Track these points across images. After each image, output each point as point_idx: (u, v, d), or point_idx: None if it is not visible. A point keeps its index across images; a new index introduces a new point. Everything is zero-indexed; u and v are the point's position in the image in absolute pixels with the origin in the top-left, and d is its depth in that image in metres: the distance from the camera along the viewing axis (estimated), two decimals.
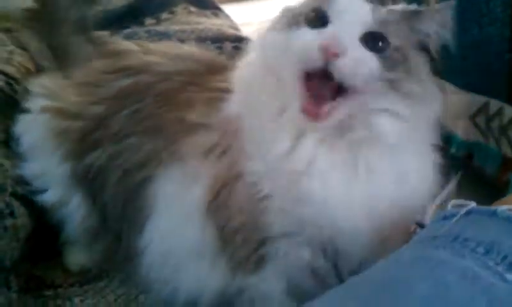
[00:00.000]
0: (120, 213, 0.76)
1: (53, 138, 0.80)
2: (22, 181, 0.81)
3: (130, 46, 0.87)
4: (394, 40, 0.63)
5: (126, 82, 0.79)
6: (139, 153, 0.74)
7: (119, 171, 0.76)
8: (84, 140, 0.78)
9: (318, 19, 0.63)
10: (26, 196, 0.80)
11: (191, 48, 0.88)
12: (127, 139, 0.76)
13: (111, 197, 0.77)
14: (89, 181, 0.78)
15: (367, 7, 0.62)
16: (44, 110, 0.82)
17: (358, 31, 0.61)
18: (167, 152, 0.72)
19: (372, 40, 0.62)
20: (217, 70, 0.78)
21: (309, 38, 0.61)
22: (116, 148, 0.76)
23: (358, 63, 0.59)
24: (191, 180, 0.70)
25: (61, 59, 0.93)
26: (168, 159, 0.72)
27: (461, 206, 0.57)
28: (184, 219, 0.71)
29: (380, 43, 0.62)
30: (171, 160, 0.72)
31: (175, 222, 0.72)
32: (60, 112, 0.81)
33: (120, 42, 0.92)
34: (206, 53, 0.86)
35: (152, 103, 0.76)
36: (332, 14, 0.62)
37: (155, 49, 0.85)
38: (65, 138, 0.80)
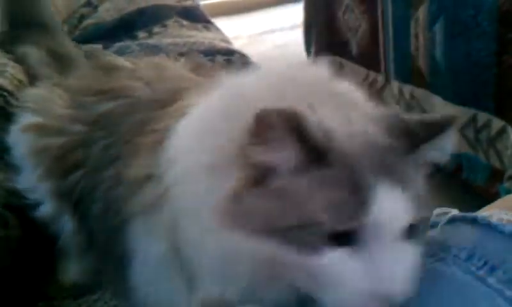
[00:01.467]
0: (104, 248, 0.74)
1: (34, 156, 0.80)
2: (15, 192, 0.81)
3: (123, 63, 0.86)
4: (422, 212, 0.50)
5: (105, 107, 0.77)
6: (115, 192, 0.70)
7: (100, 204, 0.72)
8: (65, 157, 0.77)
9: (349, 237, 0.46)
10: (20, 207, 0.80)
11: (176, 70, 0.83)
12: (105, 170, 0.72)
13: (95, 227, 0.75)
14: (74, 202, 0.77)
15: (406, 214, 0.47)
16: (27, 127, 0.81)
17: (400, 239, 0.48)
18: (130, 201, 0.67)
19: (410, 232, 0.49)
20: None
21: (353, 276, 0.46)
22: (97, 177, 0.73)
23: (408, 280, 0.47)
24: (151, 233, 0.65)
25: (59, 62, 0.94)
26: (134, 208, 0.66)
27: (445, 214, 0.59)
28: (159, 271, 0.66)
29: (416, 230, 0.49)
30: (135, 209, 0.66)
31: (155, 273, 0.66)
32: (42, 129, 0.80)
33: (114, 58, 0.91)
34: (187, 76, 0.81)
35: (120, 140, 0.72)
36: (369, 231, 0.46)
37: (143, 68, 0.83)
38: (45, 156, 0.79)
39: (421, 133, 0.50)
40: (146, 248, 0.65)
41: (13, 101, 0.89)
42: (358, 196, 0.45)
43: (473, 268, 0.50)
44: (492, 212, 0.56)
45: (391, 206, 0.46)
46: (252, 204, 0.47)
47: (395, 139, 0.49)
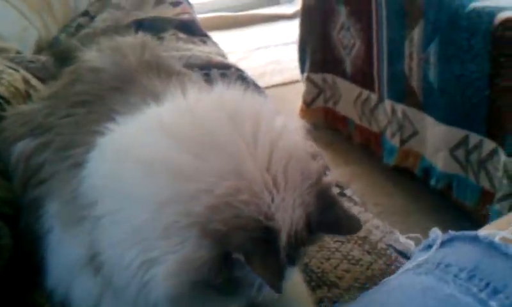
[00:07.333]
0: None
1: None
2: (6, 201, 0.80)
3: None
4: None
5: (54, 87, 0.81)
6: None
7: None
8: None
9: None
10: (11, 216, 0.79)
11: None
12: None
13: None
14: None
15: None
16: None
17: None
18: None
19: None
20: None
21: None
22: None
23: None
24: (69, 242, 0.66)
25: None
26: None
27: (438, 235, 0.58)
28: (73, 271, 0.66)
29: None
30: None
31: (69, 274, 0.67)
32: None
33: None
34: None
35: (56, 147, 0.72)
36: None
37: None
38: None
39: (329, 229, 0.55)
40: (63, 253, 0.66)
41: (8, 108, 0.88)
42: None
43: (474, 290, 0.48)
44: (493, 232, 0.54)
45: None
46: None
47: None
